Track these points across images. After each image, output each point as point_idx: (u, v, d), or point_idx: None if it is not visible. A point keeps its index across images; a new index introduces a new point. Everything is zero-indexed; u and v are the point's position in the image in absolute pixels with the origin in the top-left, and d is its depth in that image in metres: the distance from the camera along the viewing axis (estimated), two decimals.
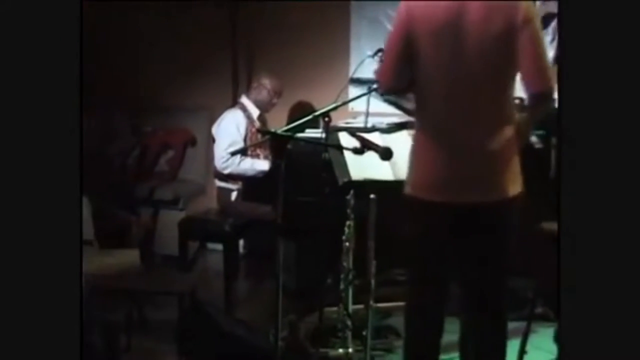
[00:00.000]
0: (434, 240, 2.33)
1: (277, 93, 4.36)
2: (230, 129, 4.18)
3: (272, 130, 2.99)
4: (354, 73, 3.83)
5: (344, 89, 3.58)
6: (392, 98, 3.95)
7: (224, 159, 4.10)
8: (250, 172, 4.10)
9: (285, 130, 2.85)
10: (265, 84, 4.33)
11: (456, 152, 2.24)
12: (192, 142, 5.09)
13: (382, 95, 3.48)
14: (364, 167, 3.03)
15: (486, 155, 2.20)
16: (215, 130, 4.28)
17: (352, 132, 2.82)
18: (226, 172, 4.14)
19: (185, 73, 5.31)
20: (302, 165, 3.49)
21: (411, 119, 3.99)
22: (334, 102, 2.91)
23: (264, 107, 4.38)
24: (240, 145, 4.15)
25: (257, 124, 4.33)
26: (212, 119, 4.60)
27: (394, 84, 2.34)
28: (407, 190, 2.36)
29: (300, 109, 4.99)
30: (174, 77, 5.33)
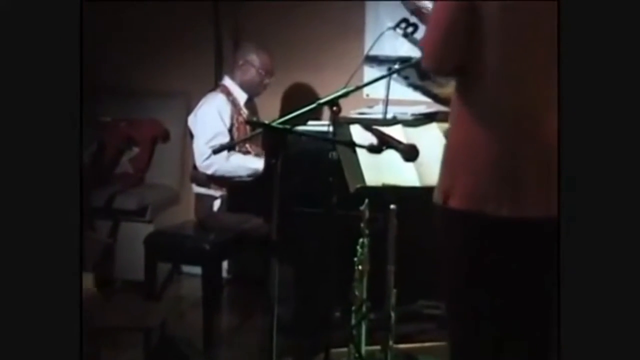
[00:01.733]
0: (484, 265, 2.28)
1: (268, 72, 4.37)
2: (211, 118, 4.18)
3: (265, 121, 2.98)
4: (370, 50, 3.83)
5: (357, 70, 3.58)
6: (417, 82, 3.95)
7: (206, 155, 4.09)
8: (242, 172, 4.09)
9: (282, 122, 2.85)
10: (253, 61, 4.34)
11: (521, 152, 2.21)
12: (163, 136, 5.09)
13: (431, 76, 3.43)
14: (382, 170, 3.02)
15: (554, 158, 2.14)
16: (192, 121, 4.28)
17: (368, 124, 2.81)
18: (210, 171, 4.13)
19: (155, 49, 5.31)
20: (304, 166, 3.49)
21: (442, 108, 4.02)
22: (345, 87, 2.91)
23: (252, 90, 4.38)
24: (225, 138, 4.15)
25: (245, 112, 4.33)
26: (189, 108, 4.60)
27: (447, 61, 2.24)
28: (446, 200, 2.29)
29: (301, 96, 4.99)
30: (140, 55, 5.34)
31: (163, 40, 5.28)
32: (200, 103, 4.29)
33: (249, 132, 4.21)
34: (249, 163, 4.10)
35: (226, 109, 4.22)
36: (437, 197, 2.31)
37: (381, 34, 3.64)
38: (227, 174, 4.09)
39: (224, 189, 4.16)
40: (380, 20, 4.80)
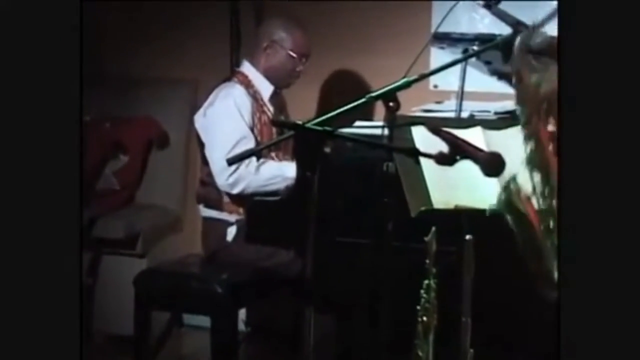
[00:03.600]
0: None
1: (302, 55, 4.37)
2: (229, 118, 4.17)
3: (298, 122, 3.00)
4: (439, 26, 3.84)
5: (422, 53, 3.59)
6: (503, 68, 3.95)
7: (231, 170, 4.07)
8: (280, 184, 4.05)
9: (320, 123, 2.86)
10: (281, 41, 4.34)
11: None
12: (160, 140, 5.13)
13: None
14: (454, 188, 3.03)
15: None
16: (201, 122, 4.29)
17: (435, 126, 2.82)
18: (237, 190, 4.10)
19: (151, 25, 5.36)
20: (349, 182, 3.50)
21: None
22: (405, 76, 2.92)
23: (280, 80, 4.39)
24: (251, 142, 4.14)
25: (270, 108, 4.34)
26: (196, 102, 4.62)
27: None
28: None
29: (346, 87, 5.01)
30: (130, 31, 5.39)
31: (161, 13, 5.34)
32: (211, 98, 4.29)
33: (275, 135, 4.23)
34: (288, 171, 4.09)
35: (246, 105, 4.23)
36: None
37: (455, 4, 3.65)
38: (261, 190, 4.09)
39: (241, 211, 4.18)
40: None
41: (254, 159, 4.11)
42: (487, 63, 3.98)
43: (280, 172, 4.11)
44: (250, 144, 4.12)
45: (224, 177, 4.12)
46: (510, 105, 4.10)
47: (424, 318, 3.07)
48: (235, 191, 4.11)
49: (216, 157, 4.14)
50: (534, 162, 2.68)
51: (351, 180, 3.50)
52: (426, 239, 3.03)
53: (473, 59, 3.81)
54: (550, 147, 2.63)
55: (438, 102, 4.31)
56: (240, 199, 4.13)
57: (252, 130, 4.21)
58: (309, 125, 2.85)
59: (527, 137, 2.72)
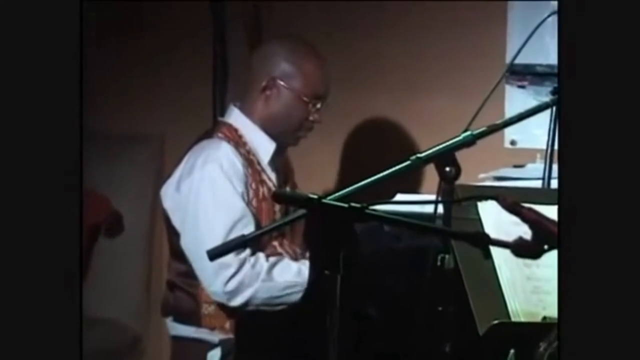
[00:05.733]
0: None
1: (317, 97, 4.35)
2: (218, 192, 4.10)
3: (311, 195, 3.01)
4: (516, 55, 3.86)
5: (494, 93, 3.61)
6: None
7: (231, 271, 4.00)
8: (298, 295, 4.07)
9: (345, 196, 2.88)
10: (288, 77, 4.34)
11: None
12: (112, 225, 5.15)
13: None
14: (541, 291, 3.04)
15: None
16: (172, 200, 4.24)
17: (513, 202, 2.83)
18: (239, 301, 3.99)
19: (105, 60, 5.42)
20: (386, 283, 3.51)
21: None
22: (468, 128, 2.94)
23: (285, 134, 4.38)
24: (251, 224, 4.07)
25: (271, 176, 4.34)
26: (162, 168, 4.65)
27: None
28: None
29: (382, 144, 5.04)
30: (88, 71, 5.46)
31: (111, 35, 5.40)
32: (186, 163, 4.24)
33: (278, 215, 4.24)
34: (307, 272, 4.08)
35: (238, 172, 4.20)
36: None
37: (539, 24, 3.67)
38: (273, 302, 4.10)
39: (228, 326, 4.19)
40: (529, 8, 4.84)
41: (261, 256, 4.10)
42: None
43: (302, 277, 4.07)
44: (250, 227, 4.10)
45: (219, 282, 4.06)
46: None
47: None
48: (235, 303, 4.05)
49: (201, 258, 4.03)
50: None
51: (390, 280, 3.51)
52: None
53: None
54: None
55: (517, 166, 4.34)
56: (229, 310, 4.11)
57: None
58: (328, 200, 2.87)
59: None
